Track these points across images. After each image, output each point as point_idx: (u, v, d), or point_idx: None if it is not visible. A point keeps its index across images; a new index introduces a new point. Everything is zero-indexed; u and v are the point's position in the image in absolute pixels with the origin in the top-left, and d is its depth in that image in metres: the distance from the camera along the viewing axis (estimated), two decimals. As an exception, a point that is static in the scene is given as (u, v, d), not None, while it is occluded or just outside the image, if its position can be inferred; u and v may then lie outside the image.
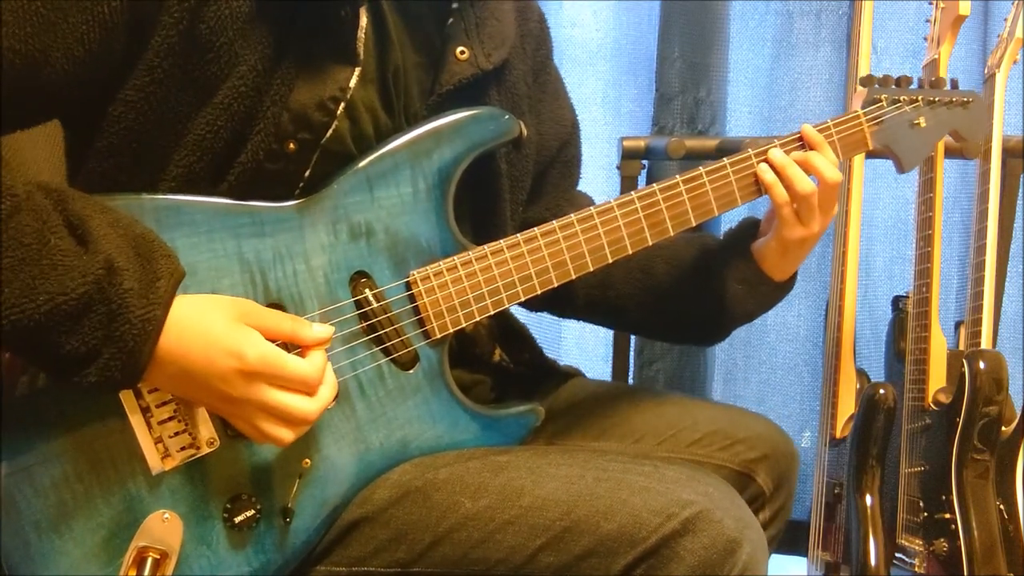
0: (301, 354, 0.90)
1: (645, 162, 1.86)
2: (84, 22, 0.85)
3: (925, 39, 1.63)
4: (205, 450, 0.90)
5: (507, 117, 1.05)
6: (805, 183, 1.10)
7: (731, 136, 1.96)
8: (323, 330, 0.91)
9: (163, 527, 0.89)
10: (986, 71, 1.67)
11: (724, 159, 1.11)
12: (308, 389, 0.88)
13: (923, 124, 1.20)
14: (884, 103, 1.19)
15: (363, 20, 0.97)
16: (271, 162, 0.94)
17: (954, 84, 1.26)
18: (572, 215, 1.05)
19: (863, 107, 1.19)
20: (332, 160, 0.97)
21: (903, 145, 1.20)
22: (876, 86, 1.21)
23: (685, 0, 1.92)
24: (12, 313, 0.77)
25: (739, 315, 1.19)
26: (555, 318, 1.87)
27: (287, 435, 0.88)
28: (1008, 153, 1.72)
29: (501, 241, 1.03)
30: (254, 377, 0.85)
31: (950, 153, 1.67)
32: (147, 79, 0.90)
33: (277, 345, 0.87)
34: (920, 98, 1.21)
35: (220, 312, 0.86)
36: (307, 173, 0.96)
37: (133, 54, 0.89)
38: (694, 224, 1.11)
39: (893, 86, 1.21)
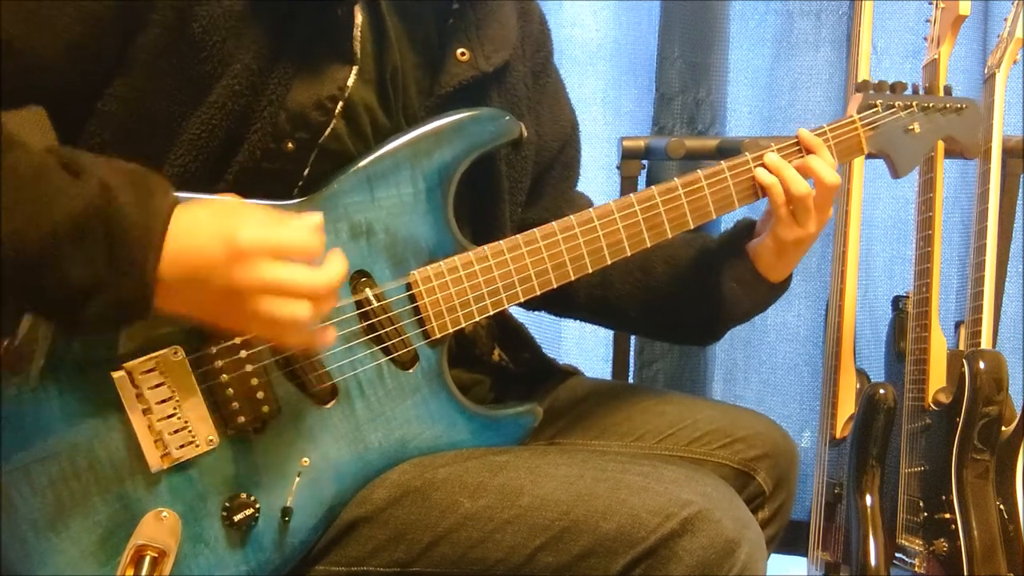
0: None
1: (645, 162, 1.86)
2: (68, 15, 0.85)
3: (925, 39, 1.63)
4: (204, 448, 0.90)
5: (507, 118, 1.05)
6: (801, 185, 1.11)
7: (731, 136, 1.96)
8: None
9: (161, 525, 0.88)
10: (986, 71, 1.68)
11: (722, 163, 1.12)
12: (308, 256, 0.86)
13: (917, 130, 1.21)
14: (879, 108, 1.20)
15: (359, 18, 0.97)
16: (269, 161, 0.94)
17: (947, 91, 1.28)
18: (571, 217, 1.06)
19: (858, 112, 1.20)
20: (330, 159, 0.97)
21: (897, 151, 1.21)
22: (871, 92, 1.22)
23: (685, 0, 1.92)
24: (14, 243, 0.76)
25: (735, 315, 1.19)
26: (555, 318, 1.87)
27: (301, 309, 0.84)
28: (1008, 153, 1.72)
29: (501, 242, 1.03)
30: (250, 257, 0.82)
31: (950, 153, 1.67)
32: (140, 76, 0.90)
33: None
34: (914, 104, 1.22)
35: (203, 207, 0.84)
36: (305, 172, 0.96)
37: (124, 52, 0.89)
38: (692, 227, 1.11)
39: (888, 92, 1.22)
